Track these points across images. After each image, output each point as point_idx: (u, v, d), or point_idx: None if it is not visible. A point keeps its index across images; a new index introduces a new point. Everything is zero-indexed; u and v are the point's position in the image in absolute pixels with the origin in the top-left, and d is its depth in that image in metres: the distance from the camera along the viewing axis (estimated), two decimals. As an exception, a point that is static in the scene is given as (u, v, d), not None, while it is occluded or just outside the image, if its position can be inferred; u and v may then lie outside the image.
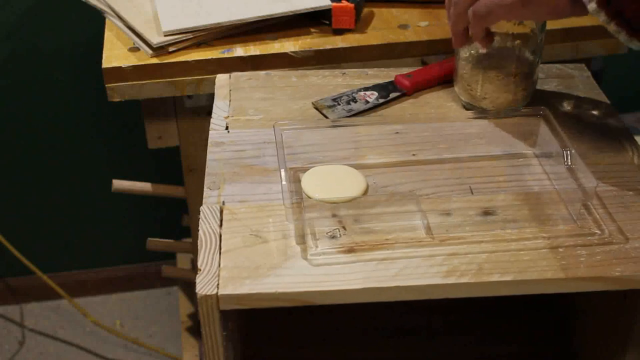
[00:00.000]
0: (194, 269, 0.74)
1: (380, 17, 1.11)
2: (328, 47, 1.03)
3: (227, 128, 0.82)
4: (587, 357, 0.86)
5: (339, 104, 0.86)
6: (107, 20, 1.12)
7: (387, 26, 1.09)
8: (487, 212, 0.71)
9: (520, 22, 0.79)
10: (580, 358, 0.87)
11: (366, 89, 0.88)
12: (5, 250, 1.62)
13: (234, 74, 0.91)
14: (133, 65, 1.02)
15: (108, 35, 1.09)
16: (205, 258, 0.66)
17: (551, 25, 1.08)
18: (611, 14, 0.67)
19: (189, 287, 1.58)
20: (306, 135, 0.78)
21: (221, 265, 0.65)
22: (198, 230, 0.69)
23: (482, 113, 0.83)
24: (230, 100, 0.87)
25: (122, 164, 1.71)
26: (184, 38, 1.04)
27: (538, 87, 0.88)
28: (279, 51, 1.04)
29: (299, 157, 0.77)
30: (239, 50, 1.04)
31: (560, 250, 0.67)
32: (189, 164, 1.17)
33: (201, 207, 0.71)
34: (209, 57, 1.03)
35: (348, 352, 0.93)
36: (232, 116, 0.84)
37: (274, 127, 0.77)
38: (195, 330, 1.56)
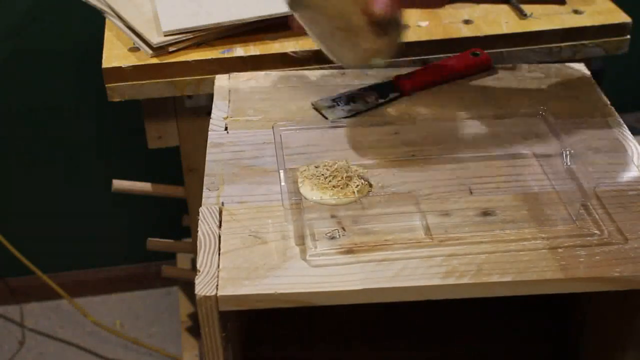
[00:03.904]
0: (194, 269, 0.75)
1: (380, 17, 1.10)
2: (328, 47, 1.03)
3: (226, 129, 0.82)
4: (587, 357, 0.86)
5: (339, 105, 0.86)
6: (107, 20, 1.12)
7: (386, 26, 1.09)
8: (486, 213, 0.71)
9: None
10: (580, 358, 0.87)
11: (365, 89, 0.88)
12: (5, 250, 1.62)
13: (233, 75, 0.91)
14: (133, 65, 1.02)
15: (108, 35, 1.09)
16: (204, 259, 0.66)
17: (551, 25, 1.08)
18: None
19: (189, 287, 1.58)
20: (305, 136, 0.78)
21: (220, 266, 0.65)
22: (197, 231, 0.69)
23: (481, 113, 0.83)
24: (229, 101, 0.87)
25: (122, 164, 1.71)
26: (184, 38, 1.04)
27: (537, 87, 0.88)
28: (279, 51, 1.04)
29: (298, 157, 0.77)
30: (239, 50, 1.04)
31: (560, 250, 0.67)
32: (189, 164, 1.17)
33: (200, 208, 0.71)
34: (209, 57, 1.03)
35: (348, 352, 0.93)
36: (231, 117, 0.84)
37: (273, 127, 0.77)
38: (195, 330, 1.56)
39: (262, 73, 0.92)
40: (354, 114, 0.85)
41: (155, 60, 1.03)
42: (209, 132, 0.82)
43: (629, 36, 1.09)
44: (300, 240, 0.68)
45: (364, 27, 0.76)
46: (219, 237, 0.68)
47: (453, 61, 0.92)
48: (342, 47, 0.79)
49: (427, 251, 0.67)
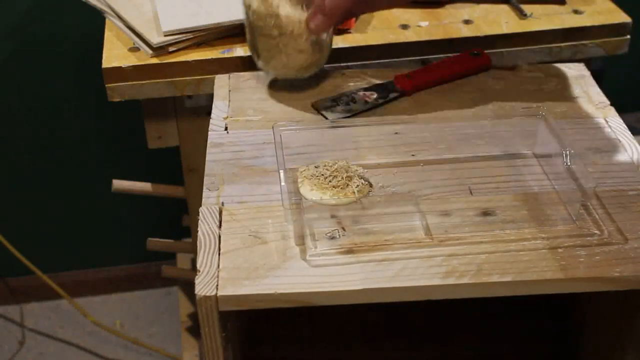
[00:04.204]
0: (194, 269, 0.75)
1: (380, 17, 1.10)
2: (328, 47, 1.03)
3: (226, 129, 0.82)
4: (587, 357, 0.86)
5: (339, 105, 0.86)
6: (107, 20, 1.12)
7: (387, 26, 1.09)
8: (486, 213, 0.71)
9: None
10: (580, 358, 0.87)
11: (366, 89, 0.88)
12: (5, 250, 1.62)
13: (233, 75, 0.91)
14: (133, 65, 1.02)
15: (108, 35, 1.09)
16: (204, 259, 0.66)
17: (551, 25, 1.08)
18: None
19: (189, 287, 1.58)
20: (305, 136, 0.78)
21: (220, 266, 0.65)
22: (197, 231, 0.69)
23: (481, 113, 0.83)
24: (229, 101, 0.87)
25: (122, 164, 1.71)
26: (184, 38, 1.04)
27: (537, 87, 0.88)
28: (279, 51, 1.04)
29: (298, 157, 0.77)
30: (239, 50, 1.04)
31: (560, 250, 0.67)
32: (189, 164, 1.17)
33: (200, 208, 0.71)
34: (209, 57, 1.03)
35: (348, 352, 0.93)
36: (231, 117, 0.84)
37: (273, 127, 0.77)
38: (195, 330, 1.56)
39: (262, 73, 0.92)
40: (354, 114, 0.85)
41: (155, 60, 1.03)
42: (209, 132, 0.82)
43: (629, 36, 1.09)
44: (300, 240, 0.68)
45: (301, 41, 0.82)
46: (219, 237, 0.68)
47: (453, 61, 0.92)
48: (275, 59, 0.84)
49: (427, 251, 0.67)
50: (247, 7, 0.84)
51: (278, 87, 0.89)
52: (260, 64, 0.87)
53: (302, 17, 0.82)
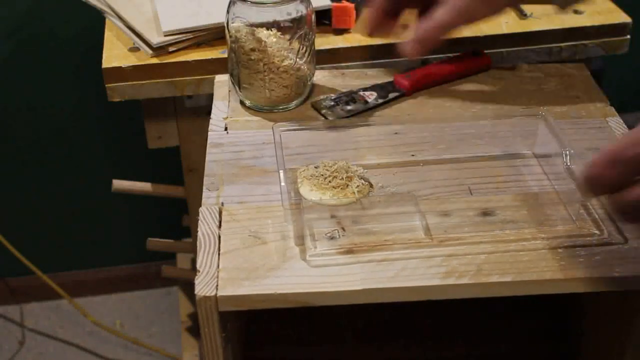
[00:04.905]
0: (194, 269, 0.75)
1: (379, 17, 1.10)
2: (328, 47, 1.03)
3: (226, 129, 0.82)
4: (587, 357, 0.86)
5: (338, 105, 0.86)
6: (107, 20, 1.12)
7: (386, 26, 1.09)
8: (486, 213, 0.71)
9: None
10: (580, 358, 0.87)
11: (365, 89, 0.88)
12: (5, 250, 1.62)
13: (234, 75, 0.91)
14: (133, 65, 1.02)
15: (108, 35, 1.09)
16: (204, 259, 0.66)
17: (551, 25, 1.08)
18: None
19: (189, 287, 1.58)
20: (305, 136, 0.78)
21: (220, 267, 0.65)
22: (197, 231, 0.69)
23: (481, 113, 0.83)
24: (229, 101, 0.87)
25: (122, 164, 1.71)
26: (184, 38, 1.04)
27: (537, 87, 0.88)
28: (279, 51, 1.04)
29: (298, 157, 0.77)
30: (239, 51, 1.04)
31: (560, 251, 0.67)
32: (189, 164, 1.17)
33: (200, 209, 0.71)
34: (209, 57, 1.03)
35: (348, 352, 0.93)
36: (231, 117, 0.84)
37: (272, 127, 0.77)
38: (195, 330, 1.56)
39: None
40: (354, 114, 0.85)
41: (155, 60, 1.03)
42: (209, 132, 0.82)
43: (629, 36, 1.09)
44: (300, 240, 0.68)
45: (286, 76, 0.83)
46: (219, 237, 0.68)
47: (453, 61, 0.92)
48: (257, 92, 0.84)
49: (427, 251, 0.67)
50: (234, 40, 0.82)
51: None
52: (240, 94, 0.86)
53: (290, 53, 0.82)
